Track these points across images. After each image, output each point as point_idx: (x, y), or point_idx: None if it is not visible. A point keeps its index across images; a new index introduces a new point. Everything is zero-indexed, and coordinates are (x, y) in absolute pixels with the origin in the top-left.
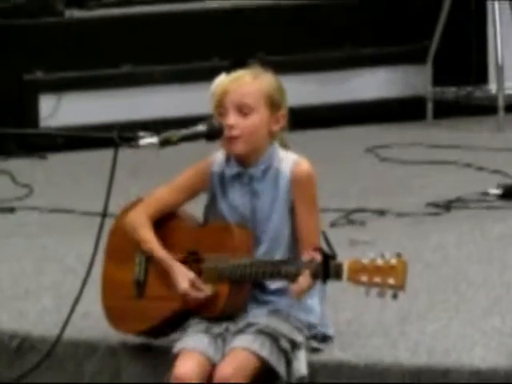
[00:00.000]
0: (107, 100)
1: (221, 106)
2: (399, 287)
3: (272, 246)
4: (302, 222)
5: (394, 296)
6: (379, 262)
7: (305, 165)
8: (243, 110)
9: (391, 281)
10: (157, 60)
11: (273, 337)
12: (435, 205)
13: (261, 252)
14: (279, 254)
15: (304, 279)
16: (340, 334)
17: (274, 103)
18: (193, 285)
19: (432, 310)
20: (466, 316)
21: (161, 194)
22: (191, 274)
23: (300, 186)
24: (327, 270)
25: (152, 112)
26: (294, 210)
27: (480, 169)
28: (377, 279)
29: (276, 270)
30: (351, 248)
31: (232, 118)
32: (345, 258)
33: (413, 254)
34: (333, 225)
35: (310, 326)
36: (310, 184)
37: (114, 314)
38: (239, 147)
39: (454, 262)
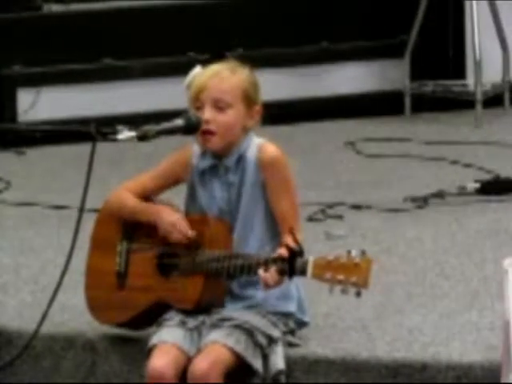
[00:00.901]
0: (86, 94)
1: (197, 100)
2: (362, 285)
3: (244, 232)
4: (276, 205)
5: (357, 294)
6: (343, 259)
7: (269, 148)
8: (219, 105)
9: (354, 279)
10: (136, 54)
11: (248, 332)
12: (413, 199)
13: (235, 239)
14: (253, 240)
15: (269, 276)
16: (317, 327)
17: (249, 99)
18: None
19: (409, 304)
20: (444, 310)
21: (141, 179)
22: (177, 214)
23: (268, 169)
24: (293, 266)
25: (130, 106)
26: (266, 195)
27: (458, 163)
28: (340, 277)
29: (246, 263)
30: (327, 242)
31: (208, 113)
32: (310, 255)
33: (389, 247)
34: (310, 219)
35: (287, 315)
36: (278, 166)
37: (95, 304)
38: (214, 143)
39: (431, 255)
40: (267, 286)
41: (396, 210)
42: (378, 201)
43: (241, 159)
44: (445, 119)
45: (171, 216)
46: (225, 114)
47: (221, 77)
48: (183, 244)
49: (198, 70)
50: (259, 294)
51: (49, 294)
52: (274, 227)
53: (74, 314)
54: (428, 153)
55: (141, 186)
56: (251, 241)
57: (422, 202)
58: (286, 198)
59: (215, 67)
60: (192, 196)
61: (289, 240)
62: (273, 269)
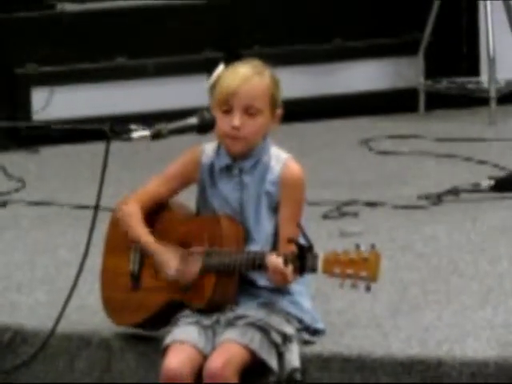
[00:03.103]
0: (99, 93)
1: (226, 103)
2: (371, 279)
3: (264, 245)
4: (284, 226)
5: (368, 288)
6: (352, 254)
7: (295, 168)
8: (250, 111)
9: (363, 273)
10: (150, 52)
11: (263, 329)
12: (427, 196)
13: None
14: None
15: (279, 263)
16: (332, 324)
17: (275, 102)
18: (178, 271)
19: (424, 301)
20: (458, 307)
21: (152, 185)
22: (176, 261)
23: (287, 189)
24: (303, 262)
25: (144, 105)
26: (277, 211)
27: (472, 160)
28: (349, 271)
29: (251, 257)
30: (342, 239)
31: (239, 119)
32: (321, 250)
33: (404, 244)
34: (325, 217)
35: (301, 322)
36: (298, 188)
37: (111, 306)
38: (241, 147)
39: (446, 253)
40: (275, 274)
41: (410, 208)
42: (393, 198)
43: (257, 164)
44: (459, 116)
45: (170, 270)
46: (255, 120)
47: (252, 83)
48: (196, 243)
49: (221, 69)
50: (274, 294)
51: (64, 293)
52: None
53: (88, 313)
54: (442, 150)
55: (153, 193)
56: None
57: (436, 199)
58: (296, 219)
59: (243, 70)
60: (203, 196)
61: (294, 229)
62: (280, 260)
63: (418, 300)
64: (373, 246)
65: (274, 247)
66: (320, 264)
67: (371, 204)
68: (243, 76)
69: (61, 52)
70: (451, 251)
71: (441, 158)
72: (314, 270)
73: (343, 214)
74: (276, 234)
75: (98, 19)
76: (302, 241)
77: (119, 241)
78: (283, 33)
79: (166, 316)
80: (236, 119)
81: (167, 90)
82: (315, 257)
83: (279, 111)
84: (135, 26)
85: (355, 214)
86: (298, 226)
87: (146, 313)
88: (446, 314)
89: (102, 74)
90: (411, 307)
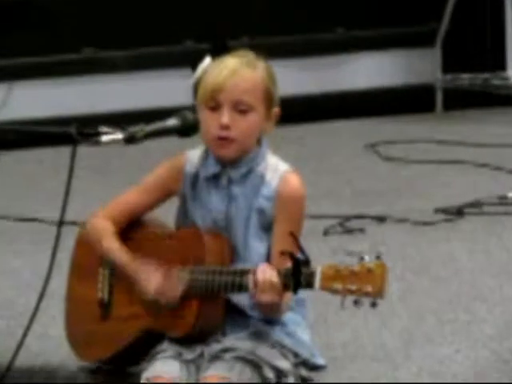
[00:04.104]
0: (65, 89)
1: (212, 100)
2: (377, 295)
3: (244, 257)
4: (278, 242)
5: (373, 304)
6: (355, 266)
7: (295, 183)
8: (240, 108)
9: (368, 288)
10: (121, 43)
11: (254, 364)
12: (445, 210)
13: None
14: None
15: (261, 270)
16: (333, 358)
17: (270, 98)
18: (158, 290)
19: (440, 330)
20: (480, 338)
21: (127, 196)
22: (156, 279)
23: (284, 206)
24: (298, 277)
25: (116, 103)
26: (271, 230)
27: (497, 168)
28: (352, 286)
29: (236, 276)
30: (346, 259)
31: (227, 117)
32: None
33: (419, 266)
34: (326, 233)
35: (297, 356)
36: (297, 206)
37: (77, 339)
38: (231, 151)
39: (466, 276)
40: (261, 292)
41: (425, 223)
42: (405, 212)
43: (249, 173)
44: (482, 117)
45: (151, 288)
46: (246, 118)
47: (241, 75)
48: (173, 264)
49: (207, 62)
50: (266, 325)
51: (24, 320)
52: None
53: (52, 344)
54: (463, 156)
55: (128, 205)
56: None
57: (455, 213)
58: (291, 240)
59: (231, 63)
60: (184, 209)
61: (289, 247)
62: (274, 272)
63: (433, 330)
64: (378, 257)
65: None
66: (317, 279)
67: (379, 218)
68: (231, 67)
69: (21, 43)
70: (473, 274)
71: (461, 165)
72: (310, 285)
73: (347, 230)
74: (269, 256)
75: (63, 5)
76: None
77: (86, 264)
78: (276, 21)
79: (140, 349)
80: (224, 116)
81: (143, 87)
82: (312, 271)
83: (276, 110)
84: (105, 13)
85: (361, 230)
86: (292, 236)
87: (118, 345)
88: (465, 345)
89: (68, 68)
90: (426, 338)
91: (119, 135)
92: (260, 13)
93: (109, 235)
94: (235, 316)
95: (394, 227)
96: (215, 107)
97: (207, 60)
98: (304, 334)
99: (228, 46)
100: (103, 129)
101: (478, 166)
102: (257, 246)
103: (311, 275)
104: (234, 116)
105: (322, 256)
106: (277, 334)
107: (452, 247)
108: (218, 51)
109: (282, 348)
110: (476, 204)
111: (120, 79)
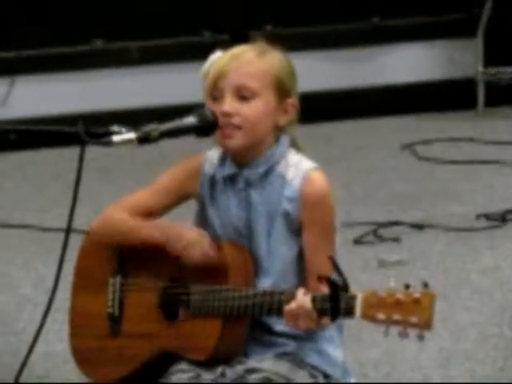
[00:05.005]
0: (72, 85)
1: (215, 88)
2: (424, 327)
3: (281, 275)
4: (311, 256)
5: (420, 337)
6: (400, 294)
7: (319, 182)
8: (243, 94)
9: (414, 319)
10: (134, 35)
11: None
12: (487, 216)
13: (269, 283)
14: (289, 284)
15: (297, 302)
16: (366, 377)
17: (282, 88)
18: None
19: (483, 347)
20: None
21: (139, 197)
22: (195, 230)
23: (310, 209)
24: (337, 304)
25: (128, 100)
26: (301, 236)
27: None
28: (396, 316)
29: (274, 302)
30: (379, 271)
31: (229, 104)
32: (358, 289)
33: (459, 278)
34: (358, 241)
35: (328, 376)
36: (325, 207)
37: (83, 356)
38: (237, 141)
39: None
40: (294, 317)
41: (467, 230)
42: (444, 218)
43: (268, 174)
44: None
45: (190, 231)
46: (250, 104)
47: (244, 59)
48: (191, 277)
49: (218, 55)
50: (293, 343)
51: (28, 338)
52: (303, 276)
53: (57, 362)
54: (506, 156)
55: (140, 207)
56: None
57: (499, 219)
58: (324, 248)
59: (237, 49)
60: (203, 215)
61: (324, 257)
62: (307, 298)
63: (475, 347)
64: (425, 285)
65: (299, 279)
66: (358, 307)
67: (417, 226)
68: (234, 53)
69: (26, 34)
70: None
71: (505, 166)
72: (350, 313)
73: (381, 239)
74: (299, 263)
75: None
76: (334, 276)
77: (92, 274)
78: (303, 9)
79: (155, 369)
80: (226, 103)
81: (157, 82)
82: (352, 298)
83: (292, 101)
84: (116, 1)
85: (396, 239)
86: (330, 258)
87: (131, 365)
88: (510, 363)
89: (76, 61)
90: (466, 355)
91: (132, 135)
92: (285, 0)
93: (126, 216)
94: (258, 334)
95: (432, 235)
96: (219, 96)
97: (217, 54)
98: (337, 352)
99: (248, 36)
100: (114, 128)
101: None
102: (282, 253)
103: (351, 302)
104: (236, 103)
105: (352, 268)
106: (306, 352)
107: (495, 256)
108: (238, 42)
109: (311, 368)
110: None
111: (132, 73)
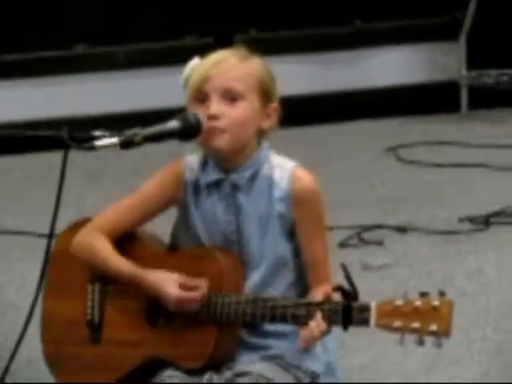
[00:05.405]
0: (54, 89)
1: (199, 92)
2: (444, 334)
3: (270, 273)
4: (309, 247)
5: (438, 345)
6: (418, 302)
7: (306, 178)
8: (230, 97)
9: (433, 327)
10: (117, 39)
11: None
12: (471, 219)
13: (256, 279)
14: (281, 282)
15: (316, 325)
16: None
17: (266, 92)
18: (183, 286)
19: (468, 352)
20: (511, 359)
21: (121, 206)
22: (174, 275)
23: (304, 206)
24: (349, 313)
25: (112, 104)
26: (296, 232)
27: None
28: (415, 324)
29: (281, 311)
30: (364, 274)
31: (215, 106)
32: (373, 299)
33: (443, 281)
34: (342, 245)
35: (313, 376)
36: (316, 202)
37: (58, 363)
38: (223, 142)
39: (495, 291)
40: (310, 339)
41: (450, 233)
42: (428, 221)
43: (255, 177)
44: (510, 117)
45: (173, 288)
46: (236, 106)
47: (227, 64)
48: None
49: (196, 61)
50: (282, 344)
51: (10, 344)
52: (300, 272)
53: (41, 369)
54: (490, 160)
55: (121, 217)
56: (273, 287)
57: (482, 222)
58: (320, 240)
59: (219, 54)
60: (185, 221)
61: (324, 279)
62: (319, 316)
63: (460, 350)
64: (442, 293)
65: (298, 273)
66: (373, 317)
67: (400, 229)
68: (218, 57)
69: (7, 38)
70: (501, 288)
71: (489, 169)
72: (365, 323)
73: (365, 242)
74: (294, 259)
75: None
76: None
77: (69, 280)
78: (287, 13)
79: (140, 378)
80: (212, 106)
81: (140, 86)
82: (365, 307)
83: (275, 105)
84: (99, 6)
85: (380, 242)
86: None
87: (114, 374)
88: (495, 366)
89: (59, 66)
90: (451, 359)
91: (115, 139)
92: (269, 4)
93: (106, 248)
94: (246, 336)
95: (415, 238)
96: (203, 100)
97: (195, 60)
98: (325, 353)
99: (233, 40)
100: (98, 132)
101: (506, 170)
102: (275, 254)
103: (365, 311)
104: (222, 105)
105: (337, 271)
106: (293, 354)
107: (479, 260)
108: (223, 46)
109: (298, 370)
110: (504, 212)
111: (115, 78)
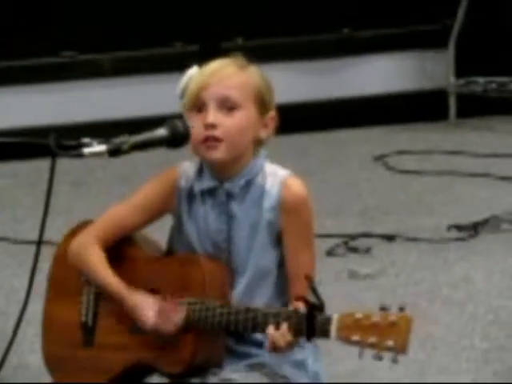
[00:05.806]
0: (44, 97)
1: (197, 100)
2: (400, 350)
3: (255, 281)
4: (293, 257)
5: (394, 361)
6: (376, 317)
7: (297, 187)
8: (227, 106)
9: (390, 342)
10: (104, 46)
11: None
12: (459, 227)
13: (241, 287)
14: (265, 291)
15: (280, 335)
16: None
17: (263, 101)
18: (161, 312)
19: (456, 360)
20: (499, 368)
21: (114, 214)
22: (153, 301)
23: (291, 213)
24: (312, 325)
25: (98, 112)
26: (282, 241)
27: None
28: (372, 339)
29: (253, 321)
30: (351, 282)
31: (213, 116)
32: (329, 300)
33: (431, 289)
34: (330, 253)
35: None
36: (304, 210)
37: (56, 364)
38: (220, 153)
39: (483, 299)
40: (275, 348)
41: (438, 242)
42: (416, 230)
43: (249, 186)
44: (498, 125)
45: (149, 316)
46: (233, 116)
47: (225, 73)
48: (169, 290)
49: (194, 70)
50: (266, 353)
51: (0, 349)
52: (285, 281)
53: (30, 375)
54: (479, 169)
55: (115, 224)
56: (258, 295)
57: (470, 230)
58: (307, 249)
59: (216, 63)
60: (179, 229)
61: (305, 292)
62: (284, 326)
63: (448, 359)
64: (401, 308)
65: (283, 284)
66: (333, 328)
67: (388, 237)
68: (216, 66)
69: None
70: (489, 297)
71: (477, 178)
72: (325, 334)
73: (353, 250)
74: (279, 269)
75: (39, 4)
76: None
77: (64, 282)
78: (275, 21)
79: (127, 382)
80: (209, 115)
81: (127, 94)
82: (327, 319)
83: (272, 114)
84: (86, 13)
85: (368, 251)
86: (307, 278)
87: (104, 376)
88: (483, 376)
89: (46, 74)
90: (439, 369)
91: (103, 147)
92: (256, 12)
93: (98, 260)
94: (232, 344)
95: (403, 247)
96: (201, 108)
97: (194, 68)
98: (310, 362)
99: (220, 48)
100: (85, 140)
101: (494, 179)
102: (263, 263)
103: (327, 323)
104: (220, 114)
105: (324, 280)
106: (278, 362)
107: (467, 268)
108: (209, 54)
109: (283, 379)
110: (493, 220)
111: (102, 86)
